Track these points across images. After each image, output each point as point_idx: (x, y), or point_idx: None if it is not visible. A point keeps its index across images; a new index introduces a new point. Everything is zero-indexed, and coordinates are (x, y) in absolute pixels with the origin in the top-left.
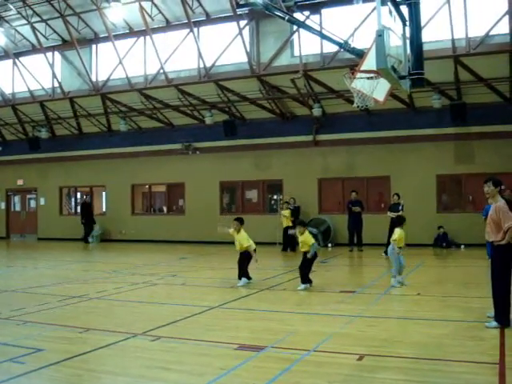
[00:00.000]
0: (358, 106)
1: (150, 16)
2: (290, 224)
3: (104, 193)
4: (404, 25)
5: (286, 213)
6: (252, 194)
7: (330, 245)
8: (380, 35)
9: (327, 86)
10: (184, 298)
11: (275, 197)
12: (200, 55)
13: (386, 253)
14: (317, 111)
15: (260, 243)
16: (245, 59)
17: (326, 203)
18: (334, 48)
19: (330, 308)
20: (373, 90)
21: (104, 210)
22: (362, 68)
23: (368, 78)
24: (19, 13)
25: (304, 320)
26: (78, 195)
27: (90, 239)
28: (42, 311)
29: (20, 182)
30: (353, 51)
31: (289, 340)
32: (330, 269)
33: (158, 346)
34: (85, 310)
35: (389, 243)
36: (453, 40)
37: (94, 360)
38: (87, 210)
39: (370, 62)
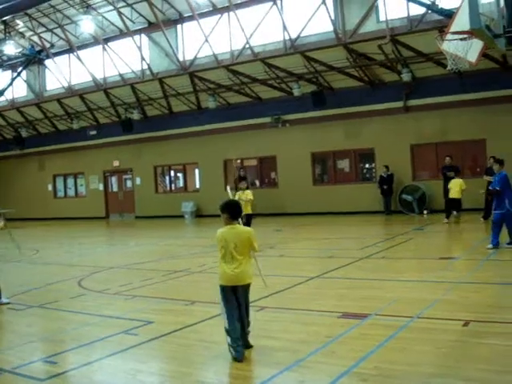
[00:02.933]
0: (451, 69)
1: None
2: None
3: (197, 170)
4: None
5: None
6: (344, 164)
7: (425, 212)
8: None
9: (416, 50)
10: (284, 269)
11: (368, 165)
12: (285, 27)
13: (484, 217)
14: (406, 76)
15: (355, 213)
16: (330, 28)
17: (420, 170)
18: (421, 10)
19: (431, 275)
20: (466, 51)
21: (198, 186)
22: (453, 29)
23: (461, 39)
24: None
25: (405, 287)
26: (172, 173)
27: None
28: (148, 286)
29: (116, 164)
30: (441, 12)
31: (392, 307)
32: (428, 236)
33: (263, 317)
34: (188, 283)
35: (486, 208)
36: None
37: (201, 330)
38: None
39: (461, 22)
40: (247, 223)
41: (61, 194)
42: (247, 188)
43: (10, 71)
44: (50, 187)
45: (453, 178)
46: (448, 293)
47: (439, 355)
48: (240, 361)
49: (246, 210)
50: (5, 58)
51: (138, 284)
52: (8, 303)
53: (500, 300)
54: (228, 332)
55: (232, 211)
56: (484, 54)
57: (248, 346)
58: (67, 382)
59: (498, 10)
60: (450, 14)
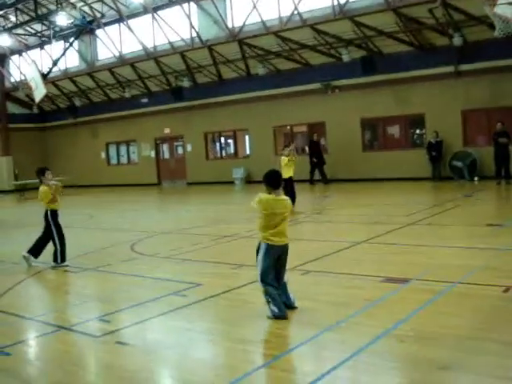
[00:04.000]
0: (500, 33)
1: None
2: None
3: (247, 136)
4: None
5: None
6: (394, 130)
7: (476, 178)
8: None
9: (467, 13)
10: (330, 234)
11: (418, 131)
12: None
13: None
14: (457, 40)
15: (405, 179)
16: None
17: (471, 136)
18: None
19: (476, 241)
20: None
21: (248, 152)
22: None
23: (509, 3)
24: None
25: (449, 254)
26: (222, 140)
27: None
28: (197, 250)
29: (167, 131)
30: None
31: (434, 273)
32: (476, 203)
33: (308, 280)
34: (236, 248)
35: None
36: None
37: (247, 293)
38: (316, 148)
39: None
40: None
41: (114, 161)
42: (288, 155)
43: (62, 41)
44: (103, 155)
45: (505, 144)
46: (491, 259)
47: (477, 319)
48: (284, 317)
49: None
50: (57, 28)
51: (187, 248)
52: (67, 265)
53: None
54: (267, 291)
55: (270, 181)
56: None
57: (293, 307)
58: (120, 339)
59: None
60: None
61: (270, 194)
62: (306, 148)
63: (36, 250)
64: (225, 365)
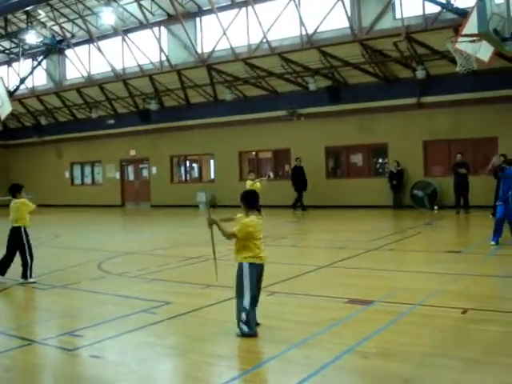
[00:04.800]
0: (461, 69)
1: None
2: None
3: (212, 161)
4: None
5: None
6: (357, 158)
7: (436, 207)
8: (481, 0)
9: (430, 48)
10: (294, 258)
11: (380, 160)
12: (302, 22)
13: (493, 214)
14: (420, 73)
15: (367, 206)
16: (346, 24)
17: (432, 166)
18: (436, 8)
19: (436, 267)
20: (476, 51)
21: (212, 177)
22: (465, 32)
23: (470, 42)
24: None
25: (411, 278)
26: (188, 163)
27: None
28: (164, 270)
29: (132, 153)
30: (456, 11)
31: (396, 295)
32: (436, 230)
33: (274, 300)
34: (203, 269)
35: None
36: None
37: (216, 311)
38: (299, 174)
39: (472, 25)
40: None
41: (78, 181)
42: (252, 180)
43: (30, 60)
44: (67, 174)
45: (464, 174)
46: (450, 284)
47: (437, 338)
48: (255, 335)
49: None
50: (26, 47)
51: (155, 268)
52: (34, 282)
53: (499, 291)
54: (245, 309)
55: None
56: (498, 53)
57: (257, 323)
58: (92, 352)
59: (507, 13)
60: (464, 14)
61: (247, 214)
62: (271, 174)
63: (2, 269)
64: (196, 377)
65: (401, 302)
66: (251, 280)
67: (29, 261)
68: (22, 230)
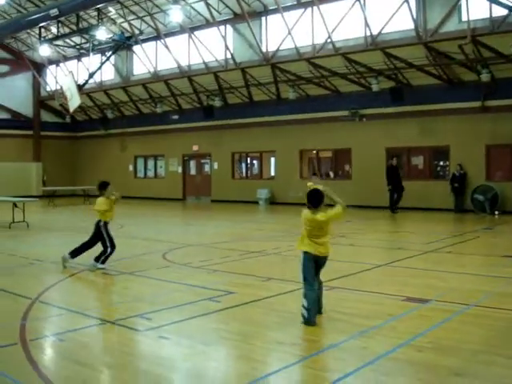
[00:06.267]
0: None
1: None
2: None
3: (273, 158)
4: None
5: None
6: (418, 160)
7: (497, 212)
8: None
9: (496, 51)
10: (353, 256)
11: (441, 163)
12: (366, 23)
13: None
14: (485, 76)
15: (427, 209)
16: (411, 26)
17: (494, 170)
18: (503, 11)
19: (493, 270)
20: None
21: (273, 174)
22: None
23: None
24: None
25: (466, 279)
26: (249, 160)
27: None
28: (227, 262)
29: (195, 148)
30: None
31: (451, 295)
32: (496, 235)
33: (333, 295)
34: (264, 263)
35: None
36: None
37: (278, 302)
38: (395, 173)
39: None
40: None
41: (141, 174)
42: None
43: (99, 55)
44: (130, 167)
45: None
46: (505, 287)
47: (488, 337)
48: (313, 324)
49: None
50: (96, 42)
51: (217, 260)
52: (104, 268)
53: None
54: (306, 296)
55: (309, 200)
56: None
57: (320, 312)
58: (161, 334)
59: None
60: None
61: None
62: (331, 173)
63: (76, 252)
64: (258, 361)
65: (455, 301)
66: (307, 269)
67: (109, 250)
68: (102, 223)
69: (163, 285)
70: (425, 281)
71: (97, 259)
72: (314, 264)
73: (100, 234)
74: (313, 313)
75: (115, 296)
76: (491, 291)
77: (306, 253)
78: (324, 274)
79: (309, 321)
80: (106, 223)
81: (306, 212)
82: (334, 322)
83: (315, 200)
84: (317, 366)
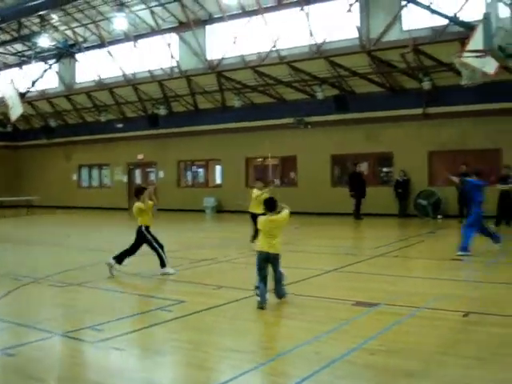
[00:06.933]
0: (467, 82)
1: None
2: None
3: (219, 166)
4: None
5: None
6: (363, 167)
7: (439, 216)
8: (486, 18)
9: (437, 60)
10: (301, 262)
11: (385, 169)
12: (311, 32)
13: (496, 224)
14: (426, 84)
15: (372, 214)
16: (355, 35)
17: (436, 176)
18: (443, 21)
19: (439, 273)
20: (482, 65)
21: (219, 182)
22: (470, 47)
23: (477, 56)
24: None
25: (415, 283)
26: (194, 168)
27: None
28: (177, 272)
29: (140, 157)
30: (462, 24)
31: (400, 299)
32: (439, 239)
33: (284, 301)
34: (214, 271)
35: (500, 215)
36: None
37: (230, 310)
38: (359, 180)
39: (478, 40)
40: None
41: (85, 184)
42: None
43: (42, 63)
44: (74, 177)
45: None
46: (453, 289)
47: (440, 338)
48: (263, 308)
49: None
50: (38, 50)
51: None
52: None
53: (500, 297)
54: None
55: (267, 206)
56: (504, 66)
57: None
58: (114, 345)
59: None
60: (470, 27)
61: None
62: (277, 180)
63: (119, 258)
64: (213, 369)
65: (405, 305)
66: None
67: (159, 251)
68: (143, 228)
69: (113, 295)
70: (374, 285)
71: (162, 265)
72: (266, 260)
73: (143, 239)
74: (263, 299)
75: (64, 308)
76: (439, 293)
77: (260, 252)
78: (271, 281)
79: (261, 307)
80: (147, 227)
81: (263, 218)
82: (286, 328)
83: (272, 205)
84: (273, 372)
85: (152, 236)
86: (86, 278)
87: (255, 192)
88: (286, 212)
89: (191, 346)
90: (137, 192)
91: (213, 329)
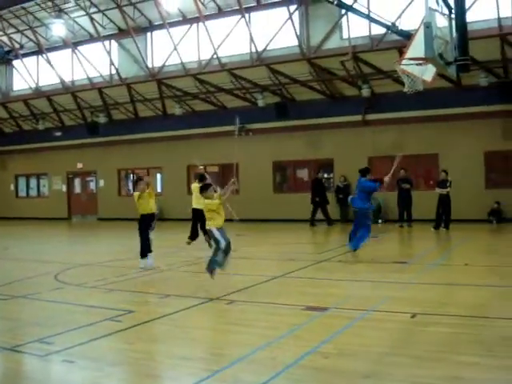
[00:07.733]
0: (409, 90)
1: (202, 4)
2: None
3: (159, 174)
4: (450, 9)
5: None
6: (303, 173)
7: (380, 221)
8: (428, 27)
9: (376, 67)
10: (247, 269)
11: (326, 175)
12: (252, 40)
13: (435, 227)
14: (366, 91)
15: (317, 220)
16: (295, 43)
17: (376, 181)
18: (382, 30)
19: (385, 276)
20: (422, 73)
21: (160, 190)
22: (410, 55)
23: (417, 64)
24: (77, 4)
25: (361, 286)
26: (135, 177)
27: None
28: (123, 281)
29: (80, 166)
30: (400, 33)
31: (349, 302)
32: (382, 243)
33: (234, 308)
34: (160, 280)
35: (438, 218)
36: (499, 19)
37: (180, 318)
38: (320, 187)
39: (416, 49)
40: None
41: (23, 193)
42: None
43: None
44: (12, 187)
45: (407, 189)
46: (399, 291)
47: (390, 339)
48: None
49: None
50: None
51: (112, 279)
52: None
53: (443, 298)
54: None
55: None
56: (440, 74)
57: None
58: (65, 358)
59: (450, 36)
60: (408, 36)
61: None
62: (218, 188)
63: (143, 253)
64: (169, 378)
65: (354, 308)
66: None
67: (142, 242)
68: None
69: (59, 307)
70: (322, 289)
71: (141, 256)
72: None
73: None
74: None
75: (10, 321)
76: (387, 296)
77: (220, 227)
78: (221, 289)
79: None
80: (144, 216)
81: (207, 201)
82: (238, 334)
83: (207, 187)
84: (229, 378)
85: (145, 226)
86: (30, 289)
87: (196, 186)
88: (217, 194)
89: (144, 356)
90: (134, 183)
91: (164, 338)
